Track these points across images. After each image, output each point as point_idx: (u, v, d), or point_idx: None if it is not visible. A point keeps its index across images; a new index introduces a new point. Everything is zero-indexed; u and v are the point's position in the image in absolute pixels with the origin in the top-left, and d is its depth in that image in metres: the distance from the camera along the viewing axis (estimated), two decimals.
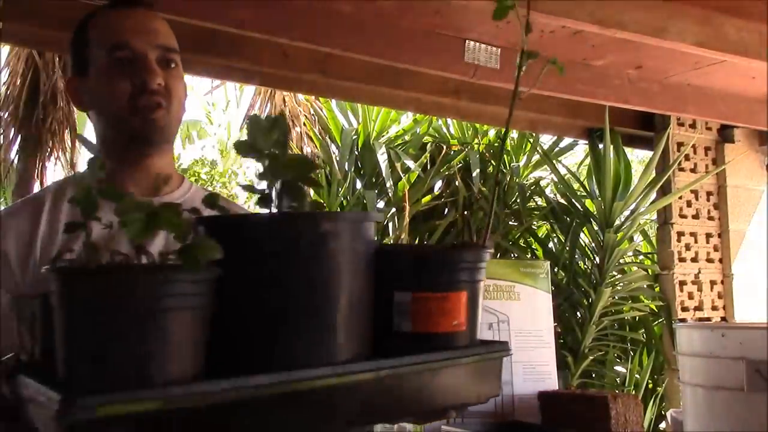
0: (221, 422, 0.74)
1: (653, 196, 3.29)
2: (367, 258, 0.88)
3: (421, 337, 0.91)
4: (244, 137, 0.83)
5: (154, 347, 0.71)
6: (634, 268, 3.56)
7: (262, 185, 0.86)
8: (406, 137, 4.21)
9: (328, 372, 0.81)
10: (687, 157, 3.31)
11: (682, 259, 3.24)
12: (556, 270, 3.41)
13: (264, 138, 0.82)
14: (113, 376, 0.69)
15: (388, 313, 0.91)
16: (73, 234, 1.19)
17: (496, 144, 4.08)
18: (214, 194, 1.00)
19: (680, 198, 3.26)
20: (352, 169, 3.94)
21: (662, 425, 3.28)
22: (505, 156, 4.03)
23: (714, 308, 3.28)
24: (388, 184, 3.70)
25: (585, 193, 3.54)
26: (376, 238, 0.92)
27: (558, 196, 3.80)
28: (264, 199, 0.84)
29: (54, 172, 6.72)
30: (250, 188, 0.87)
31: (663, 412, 3.25)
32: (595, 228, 3.38)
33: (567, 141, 3.97)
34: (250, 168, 13.31)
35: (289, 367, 0.79)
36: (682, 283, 3.23)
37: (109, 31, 1.26)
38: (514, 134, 4.06)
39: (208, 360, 0.76)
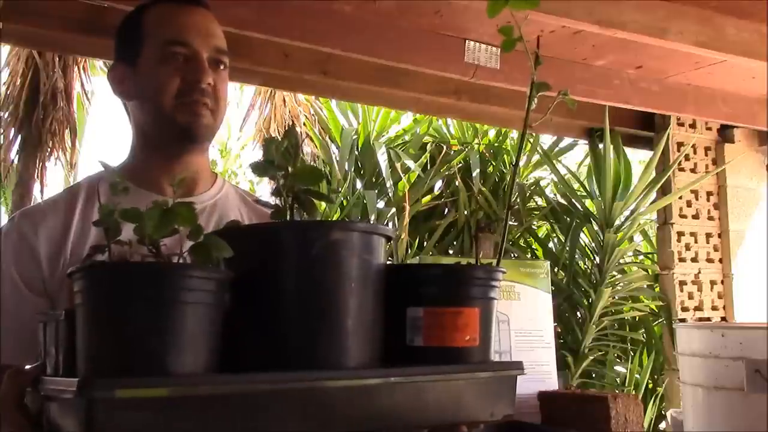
0: (225, 414, 0.77)
1: (653, 196, 3.29)
2: (376, 267, 0.88)
3: (434, 351, 0.91)
4: (260, 156, 0.89)
5: (167, 339, 0.74)
6: (634, 268, 3.56)
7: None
8: (406, 137, 4.21)
9: (331, 375, 0.82)
10: (687, 157, 3.30)
11: (682, 259, 3.24)
12: (556, 270, 3.41)
13: (279, 157, 0.86)
14: (130, 364, 0.73)
15: (401, 329, 0.92)
16: (101, 236, 1.20)
17: (496, 144, 4.08)
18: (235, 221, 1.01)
19: (680, 198, 3.26)
20: (352, 169, 3.94)
21: (662, 425, 3.28)
22: (504, 155, 4.03)
23: (714, 308, 3.27)
24: (388, 184, 3.70)
25: (585, 193, 3.54)
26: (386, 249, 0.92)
27: (558, 196, 3.80)
28: (278, 212, 0.88)
29: (54, 172, 6.72)
30: (266, 204, 0.90)
31: (663, 412, 3.25)
32: (595, 228, 3.37)
33: (567, 141, 3.97)
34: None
35: (295, 367, 0.80)
36: (682, 283, 3.23)
37: (167, 25, 1.26)
38: (513, 134, 4.06)
39: (222, 356, 0.79)
